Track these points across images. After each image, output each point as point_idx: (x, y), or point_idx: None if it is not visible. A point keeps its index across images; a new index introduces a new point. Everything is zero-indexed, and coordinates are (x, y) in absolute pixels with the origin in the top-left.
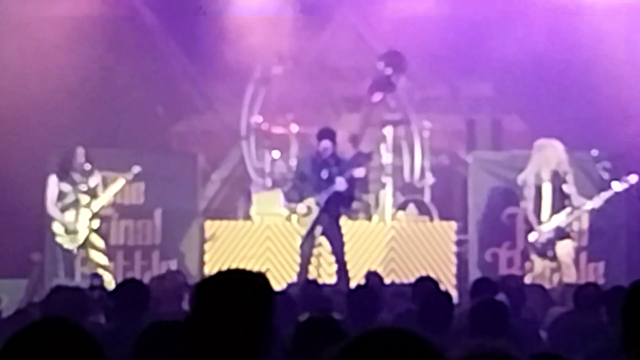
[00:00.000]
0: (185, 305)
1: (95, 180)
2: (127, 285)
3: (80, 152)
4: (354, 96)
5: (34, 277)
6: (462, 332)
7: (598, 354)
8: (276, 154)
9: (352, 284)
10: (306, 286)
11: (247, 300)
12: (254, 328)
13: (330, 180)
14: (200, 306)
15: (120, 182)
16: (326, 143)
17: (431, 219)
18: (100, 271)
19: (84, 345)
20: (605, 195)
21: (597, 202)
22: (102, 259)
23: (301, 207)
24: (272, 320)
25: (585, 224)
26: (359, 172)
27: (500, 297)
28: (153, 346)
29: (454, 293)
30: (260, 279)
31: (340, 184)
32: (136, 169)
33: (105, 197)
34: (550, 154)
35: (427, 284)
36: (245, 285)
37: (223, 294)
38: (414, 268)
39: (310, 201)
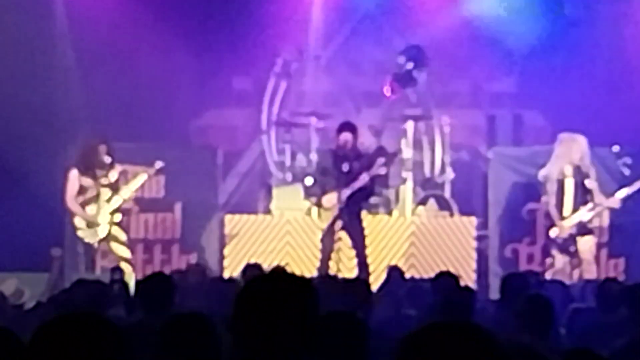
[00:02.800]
0: (207, 299)
1: (116, 174)
2: (154, 279)
3: (102, 147)
4: (375, 91)
5: (54, 271)
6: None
7: (620, 351)
8: (297, 148)
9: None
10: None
11: (295, 305)
12: (300, 332)
13: (352, 174)
14: (245, 307)
15: (142, 177)
16: (347, 137)
17: (451, 214)
18: (123, 264)
19: (112, 340)
20: (628, 190)
21: (619, 198)
22: (125, 252)
23: (326, 200)
24: (317, 323)
25: (605, 219)
26: (381, 170)
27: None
28: (175, 338)
29: (473, 288)
30: (306, 281)
31: (364, 179)
32: (159, 164)
33: (127, 192)
34: (573, 148)
35: (446, 279)
36: (292, 289)
37: (269, 297)
38: (433, 263)
39: (333, 196)
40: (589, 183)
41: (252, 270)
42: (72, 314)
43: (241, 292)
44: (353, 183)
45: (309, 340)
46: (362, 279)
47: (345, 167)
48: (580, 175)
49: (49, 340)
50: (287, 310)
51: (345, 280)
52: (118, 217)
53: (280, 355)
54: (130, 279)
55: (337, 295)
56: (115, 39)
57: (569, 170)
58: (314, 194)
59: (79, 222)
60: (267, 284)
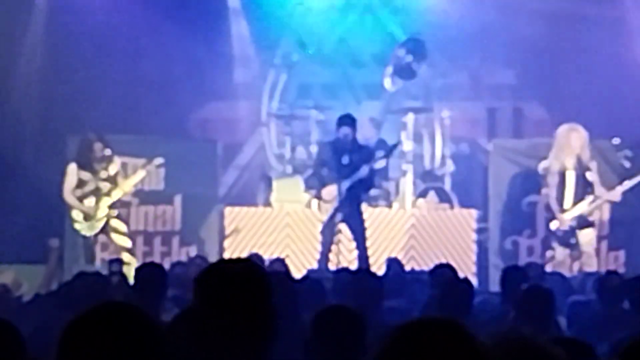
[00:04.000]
0: None
1: (115, 167)
2: (146, 269)
3: (98, 144)
4: (375, 83)
5: (51, 263)
6: (484, 319)
7: (620, 343)
8: (296, 140)
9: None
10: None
11: (244, 291)
12: (254, 319)
13: (351, 166)
14: (201, 299)
15: (141, 173)
16: (346, 129)
17: (451, 207)
18: (125, 255)
19: (148, 332)
20: (629, 183)
21: (620, 191)
22: (126, 242)
23: (326, 192)
24: (272, 310)
25: (606, 212)
26: (381, 162)
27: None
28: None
29: (473, 281)
30: (256, 267)
31: (364, 171)
32: (158, 161)
33: (126, 187)
34: (574, 139)
35: (444, 271)
36: (240, 275)
37: (220, 286)
38: (433, 255)
39: (333, 188)
40: (590, 175)
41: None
42: (107, 304)
43: (196, 284)
44: (353, 175)
45: (268, 328)
46: (372, 272)
47: (345, 159)
48: (581, 167)
49: (85, 333)
50: (240, 300)
51: (354, 273)
52: (116, 210)
53: (241, 345)
54: (131, 270)
55: (348, 289)
56: (115, 31)
57: (570, 163)
58: (314, 186)
59: (76, 215)
60: (215, 275)
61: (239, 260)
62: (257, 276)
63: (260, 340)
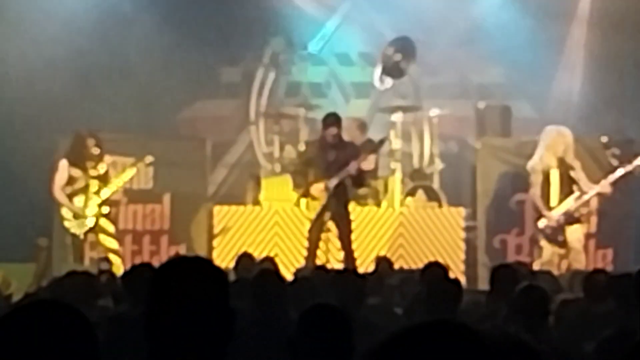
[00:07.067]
0: None
1: (105, 166)
2: (138, 270)
3: (91, 140)
4: (364, 82)
5: (41, 262)
6: (473, 319)
7: (608, 341)
8: (285, 139)
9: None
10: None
11: (198, 289)
12: (208, 318)
13: (337, 163)
14: (155, 296)
15: (131, 171)
16: (332, 131)
17: (440, 205)
18: (111, 256)
19: (78, 327)
20: (611, 177)
21: (604, 185)
22: (113, 244)
23: (314, 188)
24: (228, 310)
25: (593, 210)
26: (368, 164)
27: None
28: None
29: (462, 279)
30: (211, 264)
31: (351, 169)
32: (149, 159)
33: (115, 185)
34: (557, 141)
35: (435, 270)
36: (194, 273)
37: (173, 283)
38: (422, 254)
39: (320, 185)
40: (574, 174)
41: (245, 260)
42: (36, 301)
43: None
44: (339, 172)
45: (224, 329)
46: (355, 271)
47: (330, 155)
48: (564, 167)
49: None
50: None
51: (337, 272)
52: (106, 209)
53: (197, 347)
54: (119, 271)
55: (329, 288)
56: (104, 30)
57: (553, 162)
58: (302, 184)
59: (65, 212)
60: (168, 273)
61: (193, 258)
62: (211, 274)
63: (215, 340)
